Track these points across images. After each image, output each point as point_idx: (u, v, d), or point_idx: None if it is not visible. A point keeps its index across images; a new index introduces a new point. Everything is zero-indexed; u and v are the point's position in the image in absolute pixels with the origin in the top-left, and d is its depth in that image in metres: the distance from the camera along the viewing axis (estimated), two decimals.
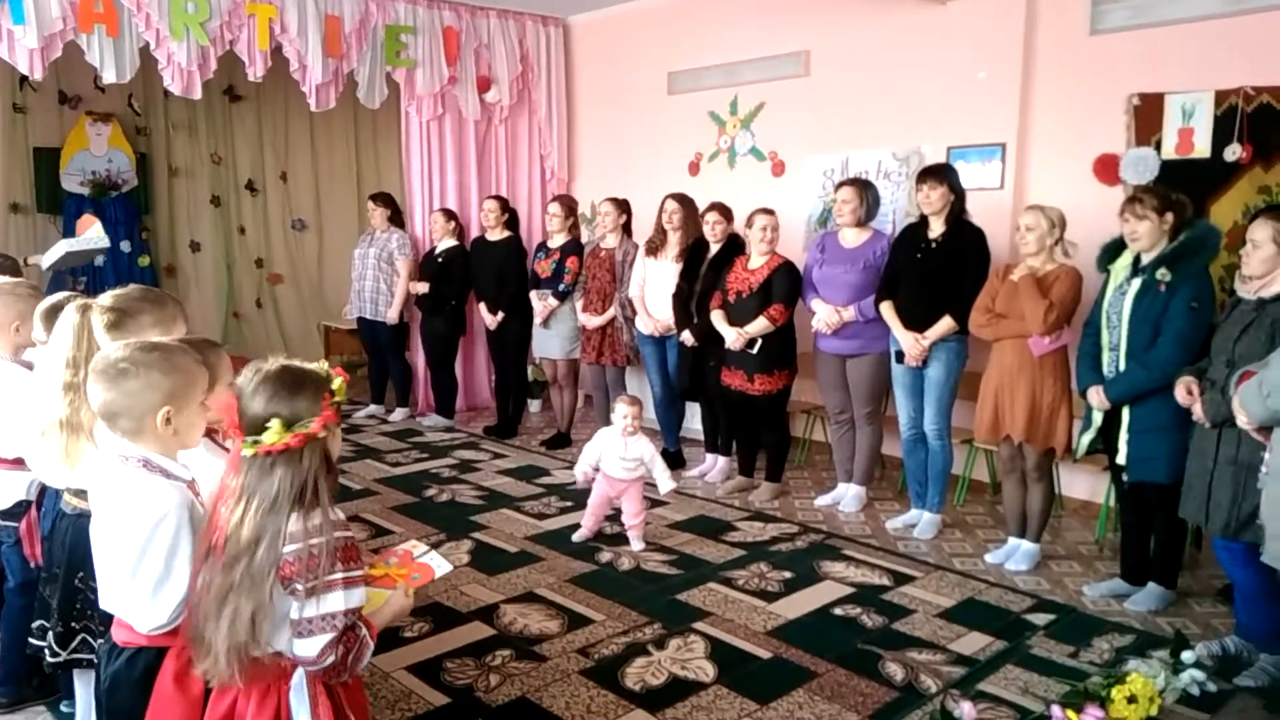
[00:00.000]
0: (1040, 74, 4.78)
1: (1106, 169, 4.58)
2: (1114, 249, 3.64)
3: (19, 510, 2.69)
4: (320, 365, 1.70)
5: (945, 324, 4.18)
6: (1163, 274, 3.39)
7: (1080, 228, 4.47)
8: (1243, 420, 2.38)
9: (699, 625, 3.44)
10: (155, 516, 1.68)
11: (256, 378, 1.62)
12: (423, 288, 6.30)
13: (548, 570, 3.96)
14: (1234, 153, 4.15)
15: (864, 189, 4.65)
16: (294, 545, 1.57)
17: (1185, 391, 3.25)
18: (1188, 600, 3.68)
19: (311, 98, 5.97)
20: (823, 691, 2.98)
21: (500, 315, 6.07)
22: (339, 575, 1.59)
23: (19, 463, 2.60)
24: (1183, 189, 4.27)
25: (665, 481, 4.24)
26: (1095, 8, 4.54)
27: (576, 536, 4.31)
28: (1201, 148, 4.26)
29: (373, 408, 6.82)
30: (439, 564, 1.90)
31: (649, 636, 3.35)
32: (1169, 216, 3.44)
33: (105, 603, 1.82)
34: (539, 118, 7.08)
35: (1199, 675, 2.96)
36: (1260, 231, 3.12)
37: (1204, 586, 3.81)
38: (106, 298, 2.24)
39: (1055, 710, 2.76)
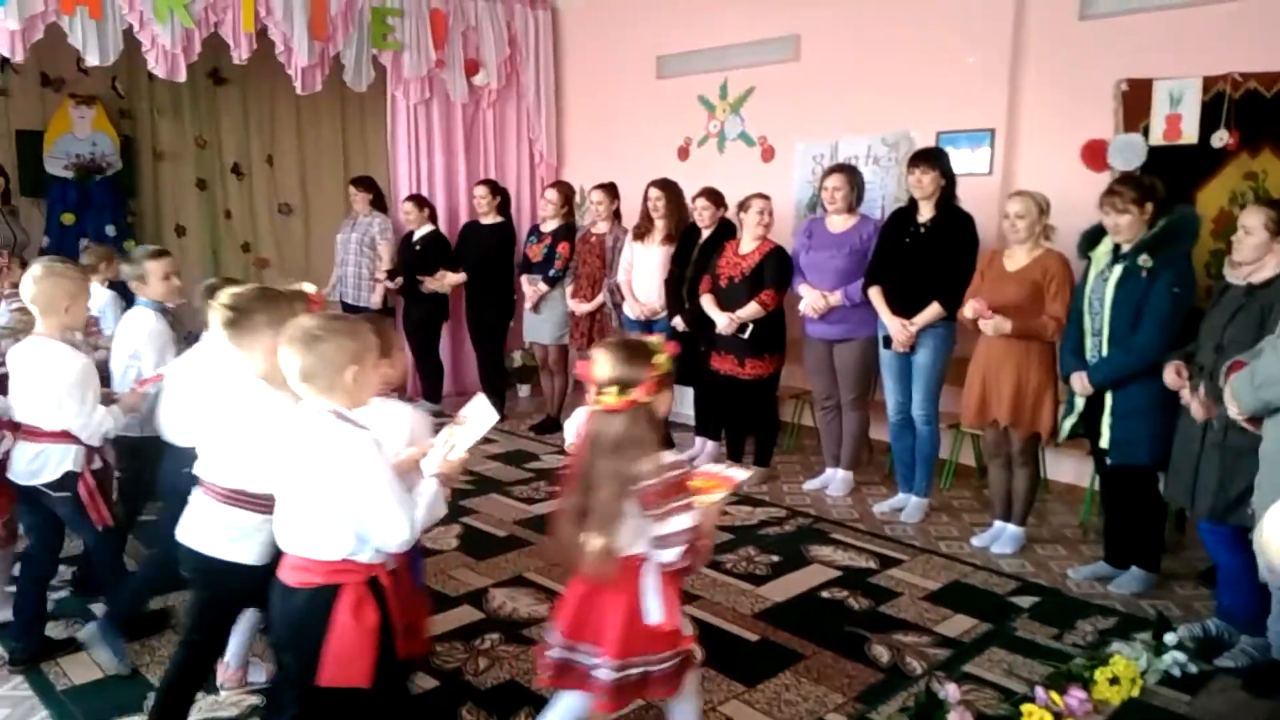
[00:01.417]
0: (1029, 59, 4.78)
1: (1094, 154, 4.59)
2: (1094, 235, 3.66)
3: (70, 481, 2.87)
4: (655, 340, 2.17)
5: (933, 310, 4.19)
6: (1144, 260, 3.41)
7: (1068, 213, 4.46)
8: (1234, 410, 2.40)
9: (687, 608, 3.41)
10: (366, 455, 1.94)
11: (604, 348, 2.13)
12: (392, 283, 6.29)
13: (536, 555, 3.98)
14: (1221, 139, 4.17)
15: (852, 175, 4.65)
16: (649, 480, 2.03)
17: (1175, 374, 3.27)
18: (1170, 583, 3.72)
19: (297, 81, 5.92)
20: (809, 674, 3.00)
21: (459, 276, 5.88)
22: (684, 501, 2.05)
23: (65, 435, 2.84)
24: (1170, 175, 4.31)
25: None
26: None
27: None
28: (1189, 134, 4.27)
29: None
30: (738, 473, 2.28)
31: None
32: (1148, 206, 3.46)
33: (287, 543, 2.04)
34: (527, 102, 7.05)
35: (1180, 657, 3.00)
36: (1253, 218, 3.13)
37: (1187, 569, 3.85)
38: (225, 296, 2.38)
39: (1039, 692, 2.80)
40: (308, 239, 8.07)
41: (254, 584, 2.21)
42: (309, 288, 2.71)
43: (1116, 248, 3.54)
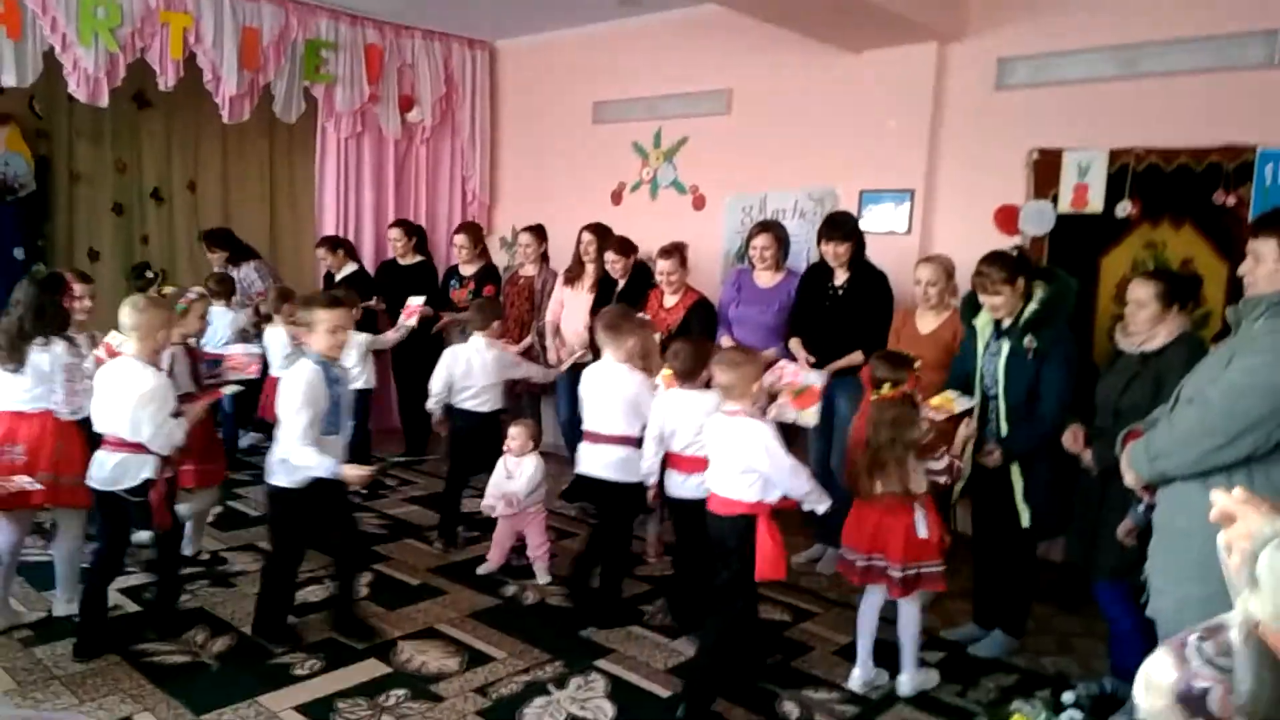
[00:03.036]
0: (948, 125, 4.96)
1: (1007, 219, 4.77)
2: (975, 303, 3.64)
3: (145, 487, 3.27)
4: (909, 354, 3.40)
5: (855, 356, 4.25)
6: (1029, 341, 3.42)
7: None
8: (1130, 479, 2.49)
9: (600, 663, 3.43)
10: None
11: (876, 358, 3.39)
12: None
13: (450, 604, 3.90)
14: (1125, 209, 4.37)
15: (778, 233, 4.72)
16: (919, 437, 3.24)
17: (1072, 439, 3.37)
18: (1072, 640, 3.80)
19: (224, 109, 5.83)
20: None
21: (422, 303, 5.58)
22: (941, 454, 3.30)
23: (142, 447, 3.23)
24: (1077, 242, 4.52)
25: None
26: (1001, 65, 4.74)
27: (482, 569, 4.26)
28: (1095, 203, 4.47)
29: (255, 434, 6.29)
30: (962, 402, 3.50)
31: (549, 675, 3.32)
32: (1019, 281, 3.44)
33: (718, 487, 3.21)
34: (462, 140, 7.04)
35: (1077, 716, 3.07)
36: (1143, 290, 3.24)
37: (1087, 628, 3.92)
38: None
39: None
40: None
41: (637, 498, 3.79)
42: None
43: (998, 322, 3.56)
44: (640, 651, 3.53)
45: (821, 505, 3.22)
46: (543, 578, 4.17)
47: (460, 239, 5.99)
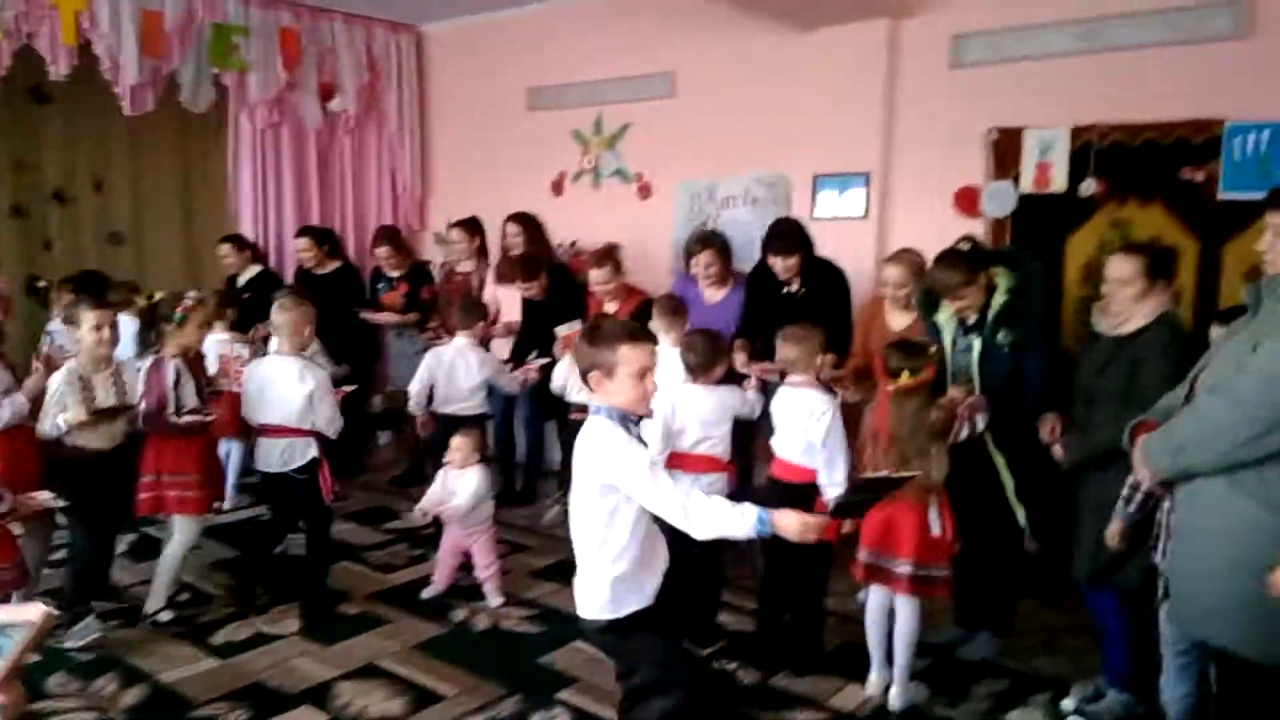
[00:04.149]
0: (902, 105, 4.76)
1: (968, 201, 4.58)
2: (931, 300, 3.43)
3: (312, 465, 3.73)
4: (925, 339, 3.29)
5: (826, 359, 3.99)
6: (1004, 336, 3.22)
7: None
8: (1144, 475, 2.28)
9: (562, 694, 3.14)
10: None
11: (890, 348, 3.18)
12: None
13: (393, 636, 3.56)
14: (1089, 188, 4.21)
15: (721, 246, 4.44)
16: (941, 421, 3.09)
17: (1049, 431, 3.19)
18: (1059, 637, 3.62)
19: (126, 100, 5.36)
20: None
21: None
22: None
23: (306, 432, 3.70)
24: (1041, 223, 4.36)
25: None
26: (955, 41, 4.55)
27: (426, 593, 3.92)
28: (1059, 182, 4.31)
29: None
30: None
31: (507, 712, 3.02)
32: (980, 276, 3.24)
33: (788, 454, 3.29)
34: (389, 130, 6.63)
35: None
36: (1125, 267, 3.05)
37: (1074, 621, 3.74)
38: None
39: None
40: (141, 272, 7.31)
41: None
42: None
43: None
44: (607, 679, 3.24)
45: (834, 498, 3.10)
46: (494, 599, 3.85)
47: (382, 251, 5.66)
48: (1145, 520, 2.59)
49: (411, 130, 6.70)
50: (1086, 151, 4.21)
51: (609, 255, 4.53)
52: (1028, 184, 4.39)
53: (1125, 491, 2.67)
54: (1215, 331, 2.83)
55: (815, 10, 4.64)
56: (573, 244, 5.88)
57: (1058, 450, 3.13)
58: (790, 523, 2.14)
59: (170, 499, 3.55)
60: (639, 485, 2.17)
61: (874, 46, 4.73)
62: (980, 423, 3.17)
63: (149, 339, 3.84)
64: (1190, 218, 3.99)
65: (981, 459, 3.27)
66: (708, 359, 3.43)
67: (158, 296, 3.80)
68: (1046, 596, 3.81)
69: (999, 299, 3.21)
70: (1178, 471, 2.14)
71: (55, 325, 4.52)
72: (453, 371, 4.42)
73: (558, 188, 6.13)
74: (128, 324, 4.31)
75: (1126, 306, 3.06)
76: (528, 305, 4.95)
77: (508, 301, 5.07)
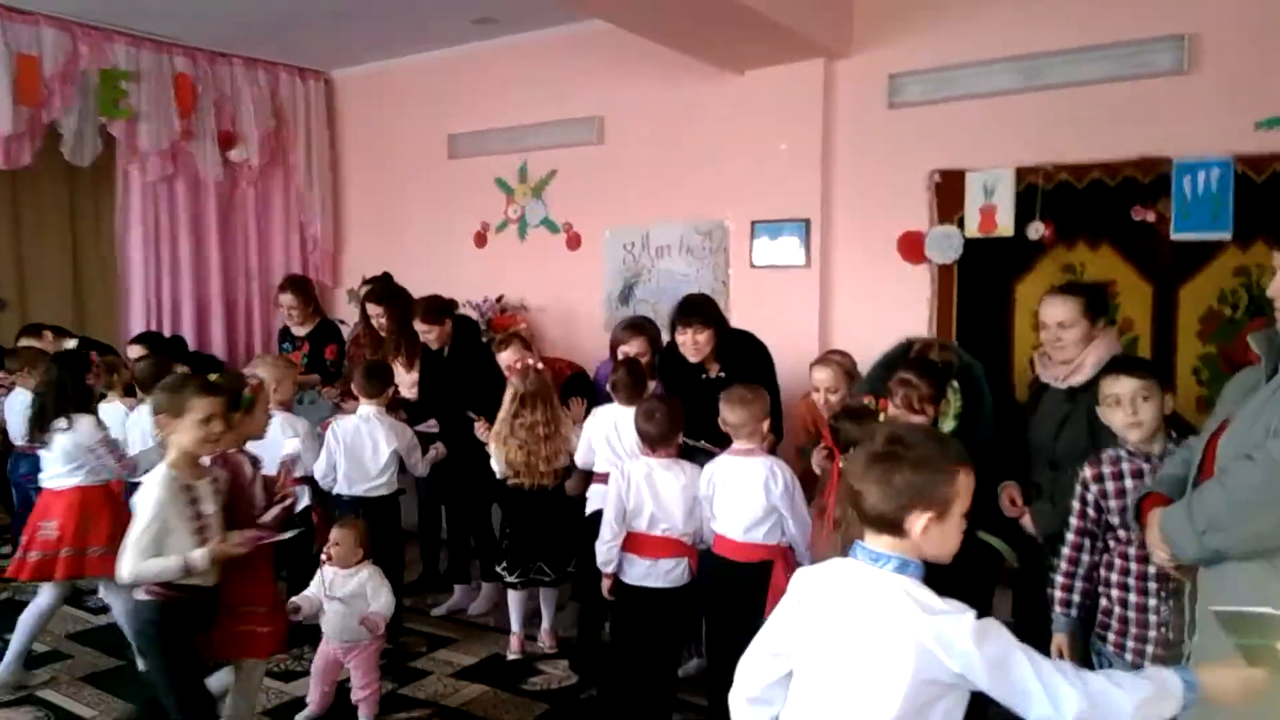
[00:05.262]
0: (841, 148, 4.56)
1: (911, 247, 4.39)
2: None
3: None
4: (869, 405, 2.91)
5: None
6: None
7: (889, 312, 4.27)
8: (1162, 557, 2.02)
9: None
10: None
11: (837, 414, 3.04)
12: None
13: None
14: (1037, 231, 4.05)
15: (652, 334, 4.05)
16: None
17: (1009, 501, 2.94)
18: None
19: (0, 153, 4.84)
20: None
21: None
22: None
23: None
24: (988, 268, 4.19)
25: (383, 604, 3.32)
26: (893, 81, 4.38)
27: (301, 716, 3.32)
28: (1005, 226, 4.13)
29: None
30: None
31: None
32: (949, 392, 2.94)
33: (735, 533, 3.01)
34: (297, 181, 6.21)
35: None
36: (1063, 310, 2.87)
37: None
38: None
39: None
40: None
41: None
42: None
43: None
44: None
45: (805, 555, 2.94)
46: None
47: (288, 299, 5.11)
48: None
49: (322, 181, 6.30)
50: (1033, 193, 4.05)
51: (514, 337, 4.17)
52: (973, 228, 4.22)
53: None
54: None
55: (748, 51, 4.43)
56: (499, 299, 5.53)
57: (1027, 523, 2.88)
58: (1230, 686, 1.53)
59: (243, 637, 2.79)
60: (1017, 679, 1.44)
61: (810, 88, 4.54)
62: None
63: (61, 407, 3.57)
64: (1142, 260, 3.85)
65: None
66: (668, 429, 3.11)
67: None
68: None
69: (948, 425, 2.87)
70: (1208, 554, 1.87)
71: None
72: (357, 445, 3.90)
73: (480, 239, 5.79)
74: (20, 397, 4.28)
75: (1072, 352, 2.86)
76: (427, 357, 4.53)
77: (404, 382, 4.59)
